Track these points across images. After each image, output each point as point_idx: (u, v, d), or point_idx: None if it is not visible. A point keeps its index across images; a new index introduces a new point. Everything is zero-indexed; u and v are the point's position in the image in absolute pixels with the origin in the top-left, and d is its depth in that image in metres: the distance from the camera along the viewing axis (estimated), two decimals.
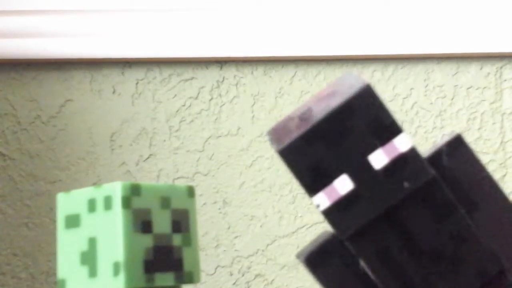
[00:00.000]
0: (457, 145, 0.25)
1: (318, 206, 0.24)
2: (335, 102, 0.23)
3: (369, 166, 0.24)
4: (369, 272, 0.25)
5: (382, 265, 0.25)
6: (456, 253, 0.24)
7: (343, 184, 0.24)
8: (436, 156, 0.25)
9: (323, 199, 0.24)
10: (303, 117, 0.24)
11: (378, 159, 0.24)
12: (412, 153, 0.24)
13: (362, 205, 0.24)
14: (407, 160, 0.24)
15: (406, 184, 0.24)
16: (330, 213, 0.24)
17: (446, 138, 0.25)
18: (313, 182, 0.24)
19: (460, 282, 0.24)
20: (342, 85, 0.24)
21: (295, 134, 0.24)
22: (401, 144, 0.24)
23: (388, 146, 0.24)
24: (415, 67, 0.71)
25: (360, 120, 0.23)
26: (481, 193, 0.25)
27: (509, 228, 0.25)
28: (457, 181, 0.25)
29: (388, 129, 0.24)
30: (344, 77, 0.25)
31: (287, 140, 0.24)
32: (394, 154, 0.24)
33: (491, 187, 0.25)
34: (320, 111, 0.23)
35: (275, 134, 0.24)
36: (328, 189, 0.24)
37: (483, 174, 0.25)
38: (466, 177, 0.25)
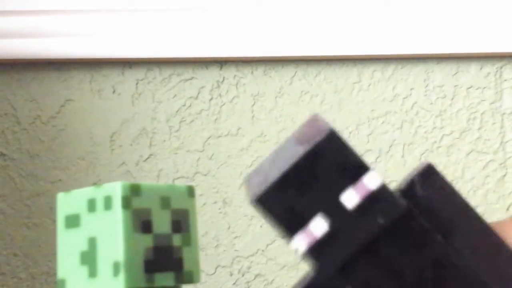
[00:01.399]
0: (429, 174, 0.26)
1: (296, 250, 0.25)
2: (303, 149, 0.24)
3: (341, 206, 0.25)
4: None
5: None
6: (438, 279, 0.25)
7: (318, 226, 0.25)
8: (410, 187, 0.26)
9: (300, 242, 0.25)
10: (271, 168, 0.25)
11: (350, 198, 0.25)
12: (382, 189, 0.25)
13: (339, 244, 0.25)
14: (378, 197, 0.25)
15: (380, 220, 0.25)
16: (308, 256, 0.25)
17: (418, 169, 0.26)
18: (289, 227, 0.25)
19: None
20: (308, 132, 0.26)
21: (267, 183, 0.25)
22: (370, 182, 0.25)
23: (358, 185, 0.24)
24: (415, 67, 0.71)
25: (329, 163, 0.24)
26: (457, 219, 0.26)
27: (487, 250, 0.26)
28: (432, 209, 0.25)
29: (356, 168, 0.24)
30: (309, 122, 0.26)
31: (259, 191, 0.24)
32: (364, 192, 0.24)
33: (467, 212, 0.26)
34: (290, 157, 0.25)
35: (250, 185, 0.26)
36: (304, 232, 0.25)
37: (457, 200, 0.26)
38: (441, 205, 0.26)
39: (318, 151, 0.24)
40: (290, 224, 0.25)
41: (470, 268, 0.25)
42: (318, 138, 0.24)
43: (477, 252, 0.26)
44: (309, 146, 0.24)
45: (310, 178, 0.24)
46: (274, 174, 0.24)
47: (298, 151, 0.24)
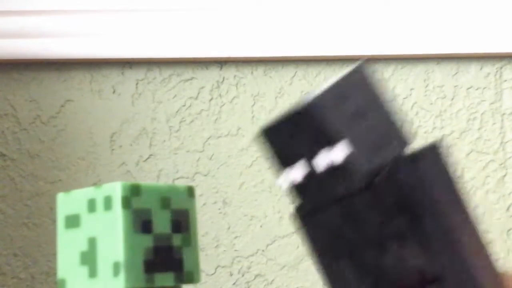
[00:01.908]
0: (419, 159, 0.27)
1: (280, 185, 0.29)
2: (302, 104, 0.27)
3: (314, 163, 0.28)
4: (317, 249, 0.29)
5: (332, 242, 0.28)
6: (399, 251, 0.27)
7: (298, 172, 0.28)
8: (392, 166, 0.27)
9: (283, 180, 0.29)
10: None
11: (322, 160, 0.27)
12: (346, 162, 0.27)
13: (310, 192, 0.28)
14: (341, 167, 0.27)
15: (340, 188, 0.27)
16: (288, 193, 0.28)
17: (419, 149, 0.27)
18: (278, 164, 0.29)
19: (400, 278, 0.27)
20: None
21: (271, 122, 0.29)
22: (338, 152, 0.27)
23: (330, 151, 0.27)
24: (415, 67, 0.71)
25: (315, 125, 0.27)
26: (433, 202, 0.27)
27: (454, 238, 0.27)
28: (410, 190, 0.27)
29: (331, 137, 0.27)
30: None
31: (264, 125, 0.29)
32: (330, 161, 0.27)
33: (452, 197, 0.27)
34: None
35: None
36: (287, 173, 0.28)
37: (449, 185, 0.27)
38: (417, 189, 0.27)
39: (310, 110, 0.27)
40: (280, 161, 0.29)
41: (432, 252, 0.27)
42: (309, 101, 0.27)
43: (444, 239, 0.27)
44: (305, 104, 0.27)
45: (300, 130, 0.27)
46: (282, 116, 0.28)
47: (301, 102, 0.27)
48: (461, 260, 0.27)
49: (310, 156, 0.28)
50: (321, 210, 0.28)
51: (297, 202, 0.29)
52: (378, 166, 0.28)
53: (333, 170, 0.27)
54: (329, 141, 0.27)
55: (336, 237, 0.28)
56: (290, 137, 0.28)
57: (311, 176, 0.28)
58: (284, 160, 0.28)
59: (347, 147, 0.27)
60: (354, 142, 0.27)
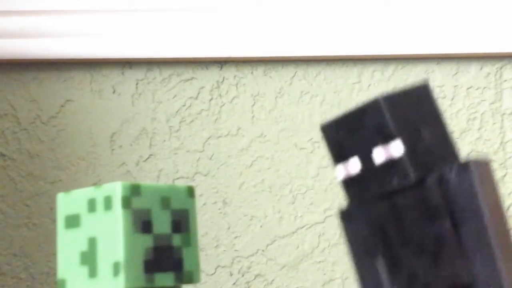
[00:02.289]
0: (468, 169, 0.29)
1: (336, 177, 0.30)
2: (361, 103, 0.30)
3: (372, 158, 0.30)
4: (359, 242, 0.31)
5: (376, 236, 0.30)
6: (436, 255, 0.28)
7: (354, 165, 0.30)
8: (444, 170, 0.29)
9: (340, 172, 0.31)
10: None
11: (379, 155, 0.30)
12: (402, 159, 0.29)
13: (364, 186, 0.30)
14: (397, 163, 0.29)
15: (394, 182, 0.29)
16: (342, 186, 0.31)
17: (468, 159, 0.29)
18: (335, 157, 0.31)
19: (433, 281, 0.28)
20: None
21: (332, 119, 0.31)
22: (394, 149, 0.29)
23: (386, 147, 0.29)
24: (415, 67, 0.71)
25: (372, 121, 0.30)
26: (469, 218, 0.28)
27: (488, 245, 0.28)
28: (457, 195, 0.28)
29: (388, 133, 0.29)
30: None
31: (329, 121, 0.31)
32: (388, 155, 0.29)
33: (479, 217, 0.28)
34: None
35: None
36: (343, 165, 0.31)
37: (475, 202, 0.28)
38: (462, 197, 0.28)
39: (367, 109, 0.30)
40: (336, 155, 0.31)
41: (467, 259, 0.28)
42: (370, 102, 0.30)
43: (479, 247, 0.28)
44: (368, 102, 0.30)
45: (358, 127, 0.30)
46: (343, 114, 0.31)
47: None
48: (493, 267, 0.28)
49: (366, 151, 0.30)
50: (368, 204, 0.30)
51: (349, 195, 0.31)
52: (430, 169, 0.29)
53: (387, 165, 0.29)
54: (388, 138, 0.29)
55: (375, 234, 0.30)
56: (349, 132, 0.30)
57: (366, 170, 0.30)
58: (341, 153, 0.31)
59: (404, 144, 0.29)
60: (411, 143, 0.29)
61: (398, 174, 0.29)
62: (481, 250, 0.27)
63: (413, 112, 0.30)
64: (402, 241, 0.29)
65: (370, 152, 0.30)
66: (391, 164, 0.29)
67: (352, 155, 0.30)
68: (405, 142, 0.29)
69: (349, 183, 0.31)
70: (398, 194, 0.29)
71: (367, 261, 0.30)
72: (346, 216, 0.31)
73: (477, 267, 0.27)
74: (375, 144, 0.30)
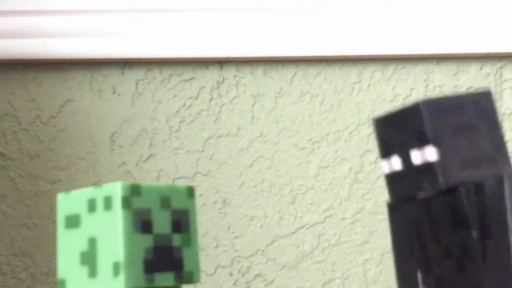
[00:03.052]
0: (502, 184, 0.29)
1: (382, 169, 0.34)
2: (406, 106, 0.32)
3: (410, 158, 0.31)
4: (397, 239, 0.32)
5: (413, 233, 0.31)
6: (460, 261, 0.29)
7: (396, 162, 0.32)
8: (480, 183, 0.30)
9: (385, 166, 0.32)
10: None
11: (416, 156, 0.31)
12: (435, 164, 0.30)
13: (402, 183, 0.31)
14: (430, 167, 0.30)
15: (425, 185, 0.30)
16: (385, 179, 0.32)
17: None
18: (381, 152, 0.32)
19: (459, 286, 0.29)
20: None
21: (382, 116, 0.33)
22: (429, 153, 0.30)
23: (421, 151, 0.30)
24: (415, 67, 0.71)
25: (413, 125, 0.31)
26: (497, 231, 0.29)
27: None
28: (489, 208, 0.29)
29: (423, 138, 0.30)
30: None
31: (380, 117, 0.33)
32: (423, 158, 0.30)
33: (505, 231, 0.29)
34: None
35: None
36: (387, 161, 0.32)
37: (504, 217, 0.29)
38: (492, 211, 0.29)
39: (411, 112, 0.31)
40: (382, 150, 0.32)
41: (490, 272, 0.29)
42: (412, 105, 0.31)
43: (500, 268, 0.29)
44: (407, 106, 0.31)
45: (402, 127, 0.31)
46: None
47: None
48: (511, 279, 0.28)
49: (406, 151, 0.31)
50: (406, 202, 0.31)
51: (391, 191, 0.32)
52: (467, 179, 0.30)
53: (422, 168, 0.30)
54: (423, 142, 0.30)
55: (412, 231, 0.31)
56: (394, 130, 0.31)
57: (406, 169, 0.31)
58: (387, 150, 0.32)
59: (438, 151, 0.30)
60: (449, 150, 0.30)
61: (429, 179, 0.30)
62: (502, 262, 0.28)
63: (455, 118, 0.31)
64: (434, 243, 0.30)
65: (409, 153, 0.31)
66: (425, 168, 0.30)
67: (395, 153, 0.32)
68: (440, 148, 0.30)
69: (392, 179, 0.32)
70: (432, 197, 0.30)
71: (406, 255, 0.31)
72: (392, 209, 0.32)
73: (497, 278, 0.28)
74: (414, 146, 0.31)
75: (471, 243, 0.29)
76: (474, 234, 0.29)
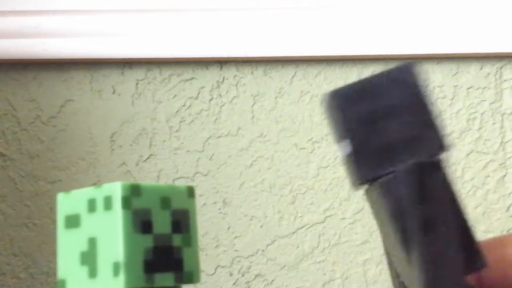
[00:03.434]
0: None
1: (337, 155, 0.31)
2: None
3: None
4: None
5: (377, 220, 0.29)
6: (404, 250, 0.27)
7: (345, 147, 0.29)
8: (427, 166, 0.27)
9: (338, 151, 0.30)
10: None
11: (341, 149, 0.29)
12: (351, 158, 0.28)
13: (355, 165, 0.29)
14: (348, 161, 0.28)
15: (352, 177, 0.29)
16: (343, 163, 0.30)
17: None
18: (334, 136, 0.30)
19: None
20: None
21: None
22: (346, 147, 0.28)
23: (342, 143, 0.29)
24: None
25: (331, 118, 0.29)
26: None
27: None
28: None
29: (338, 133, 0.29)
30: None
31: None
32: (343, 152, 0.28)
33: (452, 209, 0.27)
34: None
35: None
36: (339, 145, 0.29)
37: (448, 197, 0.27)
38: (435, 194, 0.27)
39: (327, 106, 0.29)
40: (335, 135, 0.29)
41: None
42: (329, 94, 0.29)
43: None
44: (326, 96, 0.29)
45: (328, 119, 0.29)
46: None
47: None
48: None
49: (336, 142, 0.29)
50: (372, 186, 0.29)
51: (348, 174, 0.30)
52: (381, 172, 0.28)
53: (347, 160, 0.28)
54: (340, 138, 0.28)
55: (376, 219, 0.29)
56: (335, 115, 0.29)
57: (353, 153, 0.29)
58: (336, 134, 0.30)
59: (350, 144, 0.28)
60: (362, 142, 0.28)
61: (350, 172, 0.28)
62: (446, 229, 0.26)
63: (369, 105, 0.28)
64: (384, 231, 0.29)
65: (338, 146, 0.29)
66: (347, 161, 0.28)
67: (344, 138, 0.29)
68: (353, 141, 0.28)
69: (345, 163, 0.30)
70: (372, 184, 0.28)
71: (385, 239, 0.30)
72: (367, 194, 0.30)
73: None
74: (338, 139, 0.29)
75: (400, 236, 0.27)
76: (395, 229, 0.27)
